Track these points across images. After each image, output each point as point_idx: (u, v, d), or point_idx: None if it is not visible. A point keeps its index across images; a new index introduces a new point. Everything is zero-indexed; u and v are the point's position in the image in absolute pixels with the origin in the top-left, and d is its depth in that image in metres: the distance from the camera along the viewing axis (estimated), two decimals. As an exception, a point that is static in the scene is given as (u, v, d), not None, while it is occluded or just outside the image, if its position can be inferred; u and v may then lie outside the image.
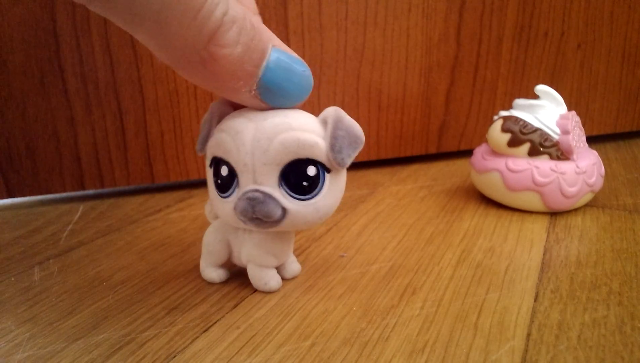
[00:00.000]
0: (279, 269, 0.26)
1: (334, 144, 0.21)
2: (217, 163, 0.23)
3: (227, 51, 0.18)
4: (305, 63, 0.21)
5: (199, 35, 0.17)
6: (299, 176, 0.22)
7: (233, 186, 0.22)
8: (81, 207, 0.41)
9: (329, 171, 0.22)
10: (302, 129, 0.21)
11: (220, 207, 0.23)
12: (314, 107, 0.25)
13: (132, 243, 0.33)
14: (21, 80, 0.38)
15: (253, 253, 0.25)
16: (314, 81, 0.45)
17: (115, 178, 0.43)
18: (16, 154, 0.40)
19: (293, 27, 0.43)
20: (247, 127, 0.21)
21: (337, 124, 0.22)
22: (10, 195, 0.41)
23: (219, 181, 0.23)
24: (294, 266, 0.27)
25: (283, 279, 0.27)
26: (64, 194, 0.44)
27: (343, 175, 0.23)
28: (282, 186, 0.22)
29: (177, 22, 0.17)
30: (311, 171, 0.22)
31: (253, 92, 0.20)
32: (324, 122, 0.22)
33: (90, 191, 0.45)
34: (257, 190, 0.21)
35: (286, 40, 0.43)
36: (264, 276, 0.25)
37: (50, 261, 0.30)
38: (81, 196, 0.44)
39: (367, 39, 0.46)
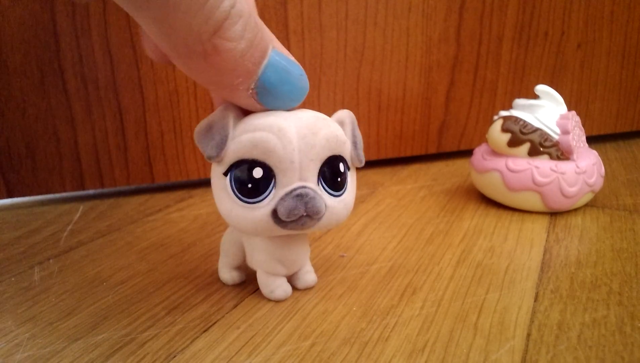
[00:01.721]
0: (291, 278, 0.26)
1: (355, 142, 0.23)
2: (244, 166, 0.20)
3: (231, 45, 0.18)
4: (301, 67, 0.21)
5: (205, 25, 0.17)
6: (333, 172, 0.22)
7: (269, 188, 0.21)
8: (81, 207, 0.41)
9: (349, 168, 0.23)
10: (336, 126, 0.22)
11: (246, 215, 0.21)
12: (314, 107, 0.26)
13: (132, 243, 0.33)
14: (21, 80, 0.38)
15: (261, 259, 0.24)
16: (314, 81, 0.45)
17: (115, 178, 0.43)
18: (16, 154, 0.40)
19: (293, 27, 0.43)
20: (287, 124, 0.20)
21: (354, 125, 0.23)
22: (10, 195, 0.41)
23: (250, 186, 0.20)
24: (308, 277, 0.26)
25: (295, 289, 0.26)
26: (64, 194, 0.44)
27: (355, 173, 0.24)
28: (320, 182, 0.21)
29: (185, 8, 0.16)
30: (342, 167, 0.22)
31: (250, 91, 0.20)
32: (341, 123, 0.23)
33: (90, 191, 0.45)
34: (305, 186, 0.20)
35: (286, 40, 0.43)
36: (271, 284, 0.24)
37: (50, 261, 0.30)
38: (81, 196, 0.44)
39: (367, 39, 0.46)
